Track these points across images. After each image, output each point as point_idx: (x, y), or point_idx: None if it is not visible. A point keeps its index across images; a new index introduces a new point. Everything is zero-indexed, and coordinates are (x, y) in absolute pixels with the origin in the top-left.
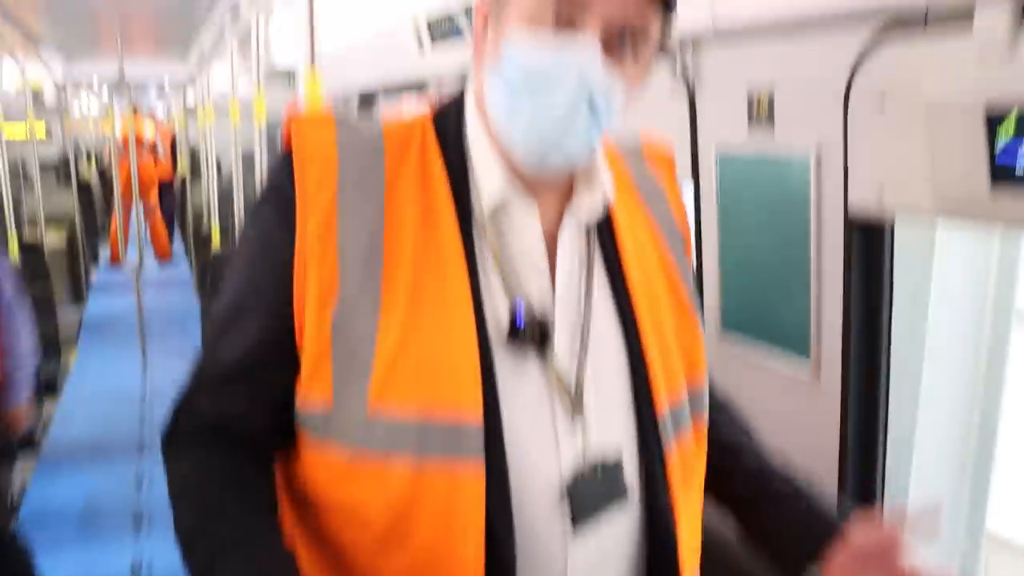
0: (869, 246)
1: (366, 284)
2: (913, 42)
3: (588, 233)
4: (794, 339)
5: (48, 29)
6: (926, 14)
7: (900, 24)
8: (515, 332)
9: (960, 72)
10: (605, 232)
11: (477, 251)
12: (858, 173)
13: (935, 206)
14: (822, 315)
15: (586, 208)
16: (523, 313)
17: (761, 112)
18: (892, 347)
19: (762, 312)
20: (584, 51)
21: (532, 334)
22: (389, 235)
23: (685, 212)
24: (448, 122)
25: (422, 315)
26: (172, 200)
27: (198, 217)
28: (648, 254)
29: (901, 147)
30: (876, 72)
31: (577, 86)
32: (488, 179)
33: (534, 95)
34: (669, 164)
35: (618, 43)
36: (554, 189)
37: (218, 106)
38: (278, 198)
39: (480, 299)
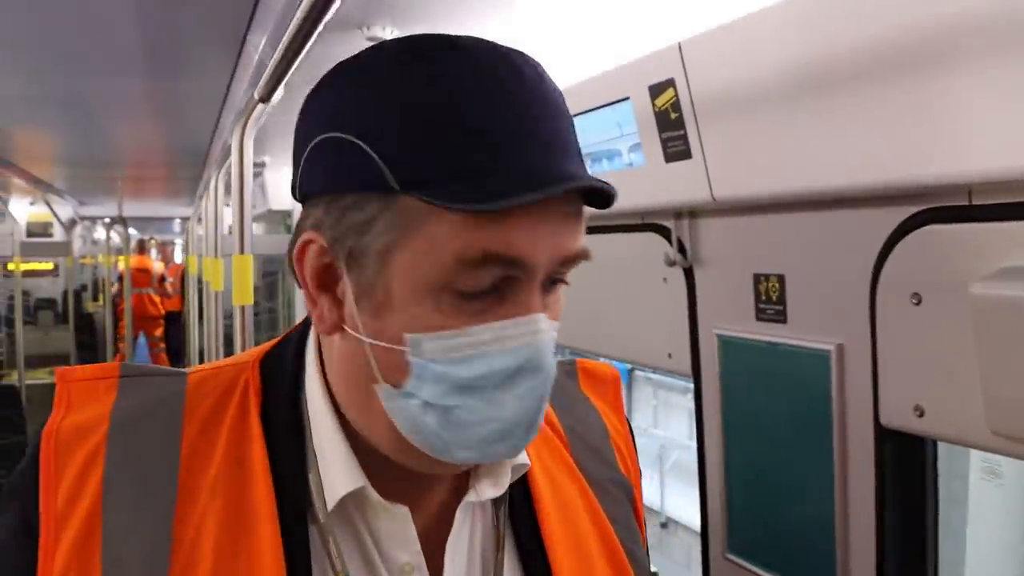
0: (907, 458)
1: None
2: (957, 226)
3: (495, 514)
4: (817, 571)
5: (58, 173)
6: (969, 193)
7: (939, 204)
8: None
9: (1019, 267)
10: (520, 505)
11: (316, 565)
12: (890, 379)
13: (989, 443)
14: (850, 542)
15: (488, 489)
16: None
17: (771, 297)
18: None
19: (776, 535)
20: (540, 332)
21: None
22: (179, 553)
23: (632, 445)
24: (279, 378)
25: None
26: (179, 333)
27: (202, 354)
28: (580, 526)
29: (942, 355)
30: (910, 260)
31: (543, 388)
32: (331, 471)
33: (489, 412)
34: (613, 385)
35: (548, 286)
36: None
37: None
38: (21, 510)
39: None
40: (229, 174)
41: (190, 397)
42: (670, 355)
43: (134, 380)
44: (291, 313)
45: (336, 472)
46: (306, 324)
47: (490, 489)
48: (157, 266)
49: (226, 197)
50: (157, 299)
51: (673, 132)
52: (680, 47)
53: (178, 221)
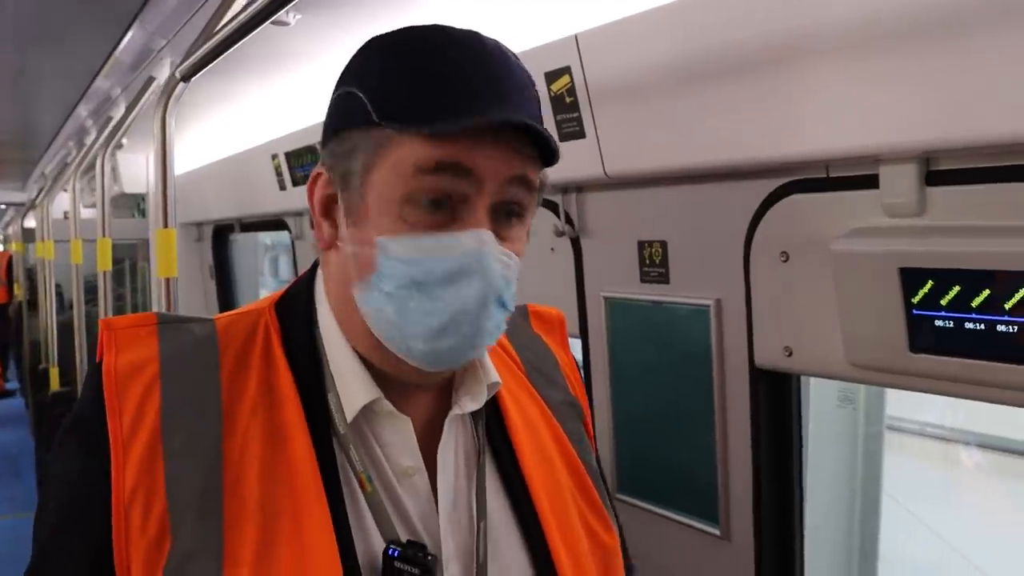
0: (777, 393)
1: (204, 533)
2: (817, 195)
3: (474, 427)
4: (700, 500)
5: None
6: (827, 167)
7: (801, 177)
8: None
9: (868, 227)
10: (493, 421)
11: (340, 470)
12: (763, 327)
13: (847, 373)
14: (729, 471)
15: (469, 403)
16: (400, 554)
17: (654, 261)
18: (805, 497)
19: (663, 472)
20: (484, 243)
21: None
22: (229, 465)
23: (579, 375)
24: (295, 316)
25: (275, 566)
26: (6, 326)
27: (37, 347)
28: (543, 438)
29: (807, 303)
30: (778, 224)
31: (483, 290)
32: (349, 388)
33: (434, 304)
34: (559, 325)
35: (505, 213)
36: (430, 386)
37: (60, 229)
38: (87, 438)
39: (347, 532)
40: (96, 158)
41: (221, 338)
42: None
43: (170, 327)
44: (146, 300)
45: (354, 388)
46: (312, 271)
47: (470, 403)
48: None
49: (83, 179)
50: None
51: (568, 114)
52: (576, 38)
53: None
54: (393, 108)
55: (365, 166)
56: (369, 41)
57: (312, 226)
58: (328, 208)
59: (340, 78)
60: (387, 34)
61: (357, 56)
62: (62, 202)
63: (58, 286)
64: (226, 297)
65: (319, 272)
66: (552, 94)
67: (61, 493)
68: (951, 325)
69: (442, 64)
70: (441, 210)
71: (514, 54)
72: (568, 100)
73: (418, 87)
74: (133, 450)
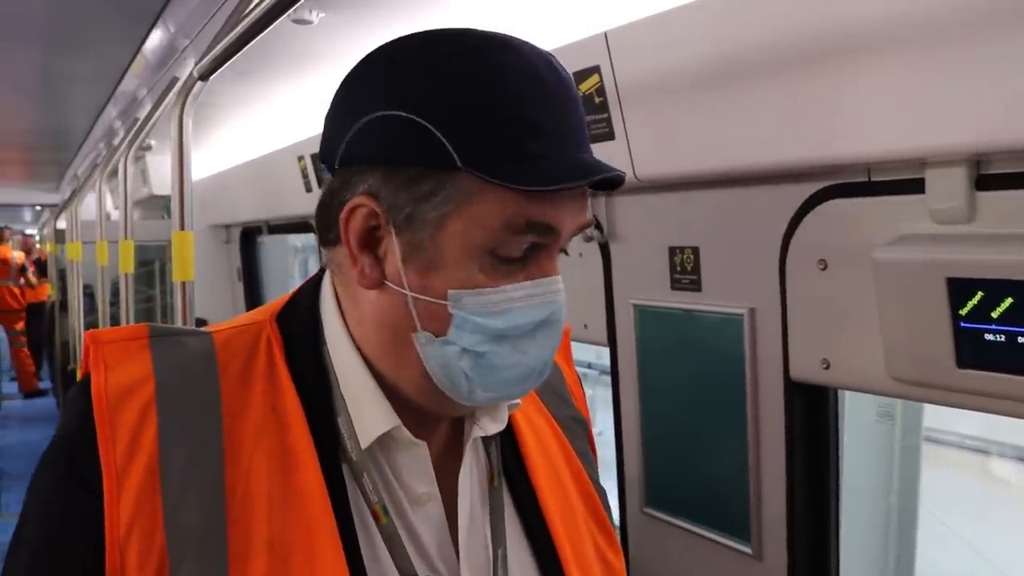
0: (814, 407)
1: (206, 572)
2: (858, 199)
3: (486, 450)
4: (731, 517)
5: None
6: (868, 171)
7: (841, 181)
8: None
9: (913, 234)
10: (506, 443)
11: (351, 499)
12: (799, 338)
13: (887, 388)
14: (762, 488)
15: (491, 425)
16: None
17: (686, 267)
18: (841, 517)
19: (693, 487)
20: (559, 292)
21: None
22: (232, 496)
23: (582, 389)
24: (300, 331)
25: None
26: (41, 324)
27: (67, 348)
28: (556, 460)
29: (845, 313)
30: (816, 230)
31: (559, 334)
32: (364, 413)
33: (520, 357)
34: (565, 338)
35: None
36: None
37: (90, 231)
38: (75, 466)
39: (361, 569)
40: (127, 156)
41: (220, 355)
42: (586, 326)
43: (163, 340)
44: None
45: (371, 413)
46: (316, 281)
47: (491, 425)
48: (17, 256)
49: (111, 181)
50: (18, 291)
51: (597, 115)
52: (606, 36)
53: (30, 209)
54: (480, 154)
55: (444, 213)
56: (409, 51)
57: (322, 243)
58: (367, 242)
59: (377, 94)
60: (433, 47)
61: (400, 70)
62: (90, 209)
63: (88, 287)
64: (254, 300)
65: (325, 282)
66: (581, 94)
67: (45, 525)
68: (1002, 339)
69: (524, 106)
70: (520, 260)
71: (566, 71)
72: (597, 100)
73: (503, 132)
74: (129, 481)
